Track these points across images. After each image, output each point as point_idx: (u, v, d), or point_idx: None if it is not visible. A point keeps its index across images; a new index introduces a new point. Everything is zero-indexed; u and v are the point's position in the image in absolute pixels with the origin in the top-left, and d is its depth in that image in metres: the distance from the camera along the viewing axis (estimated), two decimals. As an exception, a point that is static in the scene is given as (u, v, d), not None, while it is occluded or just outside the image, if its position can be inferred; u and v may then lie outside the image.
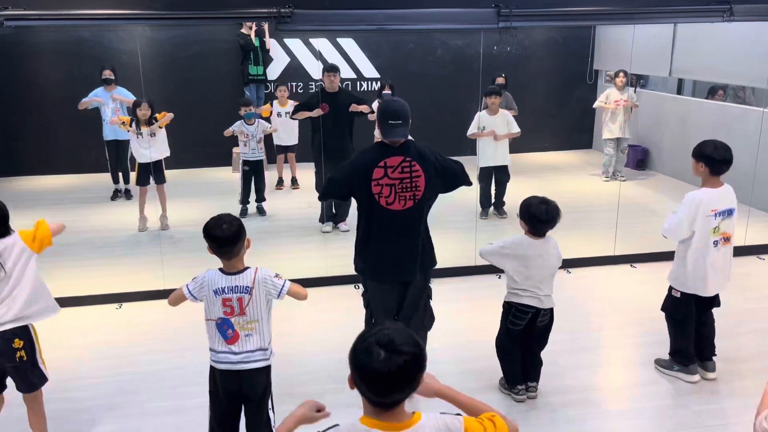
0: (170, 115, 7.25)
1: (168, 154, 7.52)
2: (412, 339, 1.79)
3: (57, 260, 6.61)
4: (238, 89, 10.13)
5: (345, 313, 5.24)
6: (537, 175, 9.78)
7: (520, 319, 3.96)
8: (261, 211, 7.90)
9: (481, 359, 4.46)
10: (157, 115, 7.17)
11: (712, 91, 9.22)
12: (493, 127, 7.48)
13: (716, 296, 4.24)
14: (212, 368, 3.21)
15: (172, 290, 5.89)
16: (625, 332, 5.03)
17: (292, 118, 7.69)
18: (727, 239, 4.08)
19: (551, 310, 4.03)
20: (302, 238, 6.86)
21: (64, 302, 5.47)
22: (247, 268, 3.14)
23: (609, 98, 9.25)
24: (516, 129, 7.57)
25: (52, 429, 3.68)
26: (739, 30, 7.30)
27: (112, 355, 4.73)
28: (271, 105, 8.90)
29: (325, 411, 2.02)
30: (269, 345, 3.19)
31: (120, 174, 8.66)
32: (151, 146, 7.11)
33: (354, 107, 6.96)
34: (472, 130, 7.57)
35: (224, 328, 3.12)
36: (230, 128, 7.64)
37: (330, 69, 7.13)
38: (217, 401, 3.24)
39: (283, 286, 3.13)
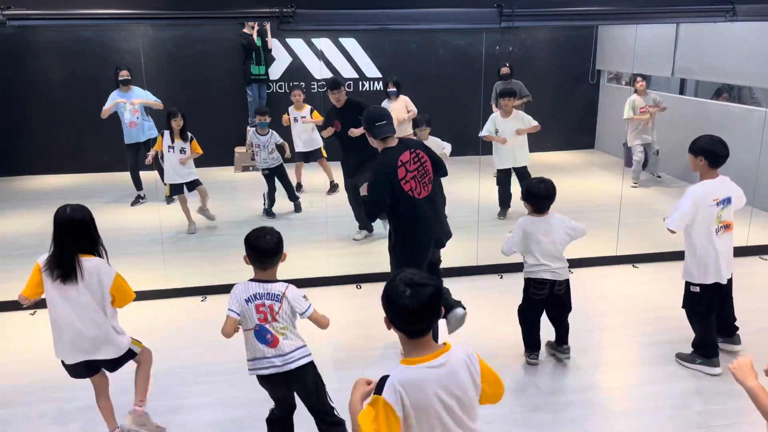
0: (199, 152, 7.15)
1: (197, 176, 7.26)
2: (429, 276, 2.20)
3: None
4: (240, 89, 10.14)
5: (347, 313, 5.24)
6: (538, 174, 9.74)
7: (541, 290, 4.32)
8: (297, 209, 7.96)
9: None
10: (192, 144, 7.00)
11: (718, 93, 9.17)
12: (508, 129, 7.42)
13: (730, 281, 4.40)
14: (259, 377, 3.28)
15: (173, 289, 5.90)
16: (627, 332, 5.03)
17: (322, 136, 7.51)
18: (727, 227, 4.24)
19: (567, 280, 4.36)
20: (305, 238, 6.86)
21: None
22: (279, 281, 3.23)
23: (635, 107, 8.84)
24: (534, 122, 7.49)
25: (54, 428, 3.69)
26: (742, 30, 7.30)
27: (114, 354, 4.73)
28: (288, 111, 8.59)
29: (373, 382, 2.26)
30: (305, 347, 3.27)
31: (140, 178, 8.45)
32: (182, 166, 6.99)
33: (352, 132, 6.66)
34: (485, 132, 7.52)
35: (263, 335, 3.18)
36: (248, 142, 7.68)
37: (332, 86, 6.91)
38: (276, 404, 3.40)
39: (308, 308, 3.22)
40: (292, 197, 7.99)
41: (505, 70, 9.23)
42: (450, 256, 5.28)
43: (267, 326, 3.16)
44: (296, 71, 10.49)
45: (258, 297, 3.16)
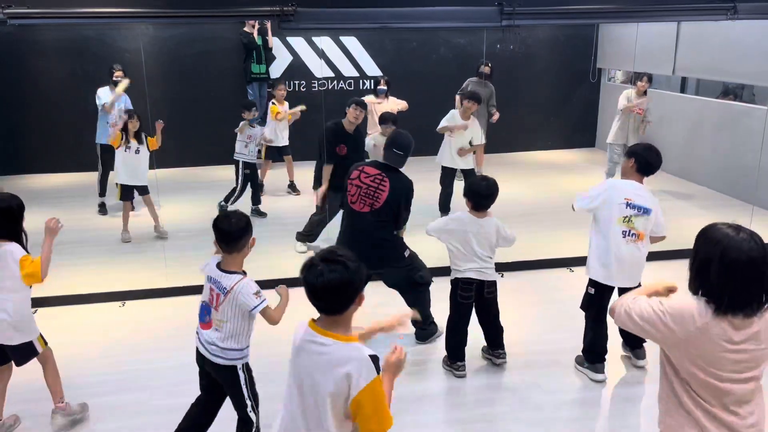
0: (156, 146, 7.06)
1: (146, 183, 7.06)
2: (349, 257, 2.23)
3: (59, 259, 6.63)
4: (240, 87, 10.14)
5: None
6: (539, 173, 9.78)
7: (467, 291, 4.23)
8: (261, 213, 7.75)
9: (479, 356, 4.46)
10: (149, 138, 6.93)
11: (725, 93, 9.13)
12: (460, 132, 7.11)
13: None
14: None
15: (174, 288, 5.88)
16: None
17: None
18: (638, 236, 4.08)
19: (495, 282, 4.30)
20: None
21: (67, 300, 5.52)
22: (236, 273, 3.20)
23: (630, 99, 8.29)
24: (481, 142, 7.23)
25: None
26: (743, 28, 7.28)
27: (116, 352, 4.74)
28: (273, 104, 8.52)
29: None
30: (235, 351, 3.24)
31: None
32: (136, 165, 6.90)
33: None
34: (443, 124, 7.16)
35: (203, 314, 3.28)
36: (241, 127, 7.54)
37: (360, 104, 6.31)
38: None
39: (258, 304, 3.18)
40: (258, 201, 7.81)
41: (485, 69, 8.68)
42: (443, 256, 5.30)
43: (210, 309, 3.24)
44: (297, 70, 10.49)
45: (212, 280, 3.23)
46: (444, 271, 5.65)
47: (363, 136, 6.90)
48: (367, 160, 4.56)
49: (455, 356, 4.34)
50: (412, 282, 4.62)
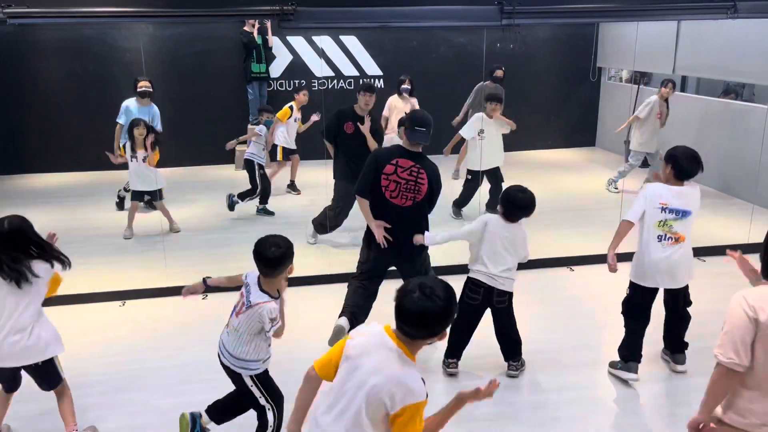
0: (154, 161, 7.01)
1: (164, 185, 7.24)
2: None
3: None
4: (240, 87, 10.14)
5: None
6: (539, 172, 9.77)
7: (474, 293, 4.19)
8: (269, 212, 7.82)
9: (488, 356, 4.47)
10: (151, 153, 6.89)
11: (726, 92, 9.13)
12: (491, 131, 7.28)
13: (683, 296, 4.27)
14: None
15: (175, 287, 5.89)
16: (628, 330, 5.03)
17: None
18: (677, 239, 4.10)
19: (507, 293, 4.23)
20: (304, 236, 6.84)
21: (68, 300, 5.51)
22: (267, 294, 3.23)
23: (654, 109, 8.32)
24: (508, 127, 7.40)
25: (56, 427, 3.69)
26: (743, 27, 7.28)
27: (116, 352, 4.74)
28: (291, 108, 8.45)
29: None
30: (242, 361, 3.32)
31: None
32: (147, 173, 6.90)
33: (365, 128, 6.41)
34: (472, 133, 7.33)
35: (231, 314, 3.38)
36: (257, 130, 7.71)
37: (368, 89, 6.52)
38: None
39: (269, 330, 3.24)
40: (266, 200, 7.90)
41: (499, 72, 8.90)
42: (450, 254, 5.30)
43: (232, 314, 3.34)
44: (297, 69, 10.49)
45: (247, 288, 3.31)
46: (451, 270, 5.69)
47: (377, 119, 6.96)
48: (387, 147, 4.45)
49: (449, 353, 4.35)
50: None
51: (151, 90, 7.64)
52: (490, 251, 4.16)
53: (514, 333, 4.33)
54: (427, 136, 4.35)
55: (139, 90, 7.58)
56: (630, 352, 4.25)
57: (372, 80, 10.51)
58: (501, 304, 4.23)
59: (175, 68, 10.07)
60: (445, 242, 4.34)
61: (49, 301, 5.41)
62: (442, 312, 2.25)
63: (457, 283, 5.58)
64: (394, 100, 8.47)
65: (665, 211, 4.08)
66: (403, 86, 8.46)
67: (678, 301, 4.28)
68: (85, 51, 9.80)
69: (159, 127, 7.72)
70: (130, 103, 7.62)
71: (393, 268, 4.66)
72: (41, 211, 8.22)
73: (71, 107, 9.75)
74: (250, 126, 9.08)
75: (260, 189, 7.61)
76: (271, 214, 7.79)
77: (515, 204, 4.13)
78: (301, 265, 5.85)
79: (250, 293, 3.25)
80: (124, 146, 7.01)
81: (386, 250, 4.45)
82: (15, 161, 9.93)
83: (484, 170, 7.30)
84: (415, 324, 2.26)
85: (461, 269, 5.99)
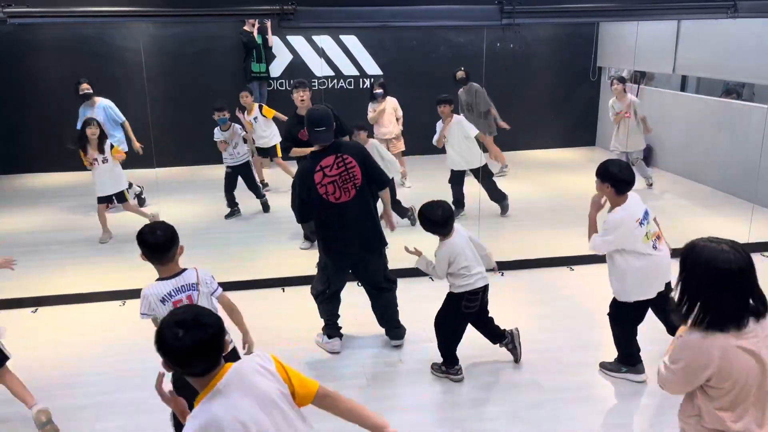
0: (122, 155, 6.93)
1: (125, 186, 7.07)
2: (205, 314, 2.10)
3: (59, 258, 6.64)
4: (240, 87, 10.12)
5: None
6: (539, 172, 9.77)
7: (473, 302, 4.17)
8: (265, 208, 7.89)
9: (491, 355, 4.46)
10: (112, 150, 6.80)
11: (728, 93, 9.12)
12: (452, 135, 7.34)
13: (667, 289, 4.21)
14: None
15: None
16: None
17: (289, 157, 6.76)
18: (658, 237, 4.10)
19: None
20: (297, 236, 6.81)
21: (67, 300, 5.52)
22: (186, 269, 3.19)
23: (614, 107, 8.45)
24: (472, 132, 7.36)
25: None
26: (743, 27, 7.28)
27: (115, 352, 4.74)
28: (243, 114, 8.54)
29: None
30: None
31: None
32: (108, 176, 6.76)
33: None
34: (436, 138, 7.46)
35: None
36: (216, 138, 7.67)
37: (299, 85, 6.39)
38: None
39: (216, 289, 3.21)
40: (259, 195, 7.92)
41: (460, 73, 8.99)
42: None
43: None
44: (297, 69, 10.48)
45: (172, 295, 3.12)
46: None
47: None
48: (306, 161, 4.38)
49: (453, 361, 4.30)
50: (386, 279, 4.60)
51: (91, 91, 7.80)
52: (468, 259, 4.12)
53: (487, 316, 4.38)
54: (328, 133, 4.26)
55: (81, 94, 7.71)
56: (632, 354, 4.25)
57: (372, 80, 10.50)
58: (485, 297, 4.27)
59: (174, 68, 10.07)
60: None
61: (50, 301, 5.44)
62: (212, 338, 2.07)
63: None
64: (371, 108, 8.62)
65: (642, 225, 4.02)
66: (375, 91, 8.51)
67: (669, 298, 4.26)
68: (85, 51, 9.80)
69: (121, 116, 7.85)
70: (83, 108, 7.78)
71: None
72: (41, 211, 8.22)
73: (71, 108, 9.72)
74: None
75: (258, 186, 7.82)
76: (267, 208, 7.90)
77: (433, 221, 4.10)
78: (293, 266, 5.87)
79: (179, 289, 3.14)
80: (82, 151, 6.74)
81: (348, 253, 4.43)
82: (15, 161, 9.93)
83: (463, 170, 7.42)
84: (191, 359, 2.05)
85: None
